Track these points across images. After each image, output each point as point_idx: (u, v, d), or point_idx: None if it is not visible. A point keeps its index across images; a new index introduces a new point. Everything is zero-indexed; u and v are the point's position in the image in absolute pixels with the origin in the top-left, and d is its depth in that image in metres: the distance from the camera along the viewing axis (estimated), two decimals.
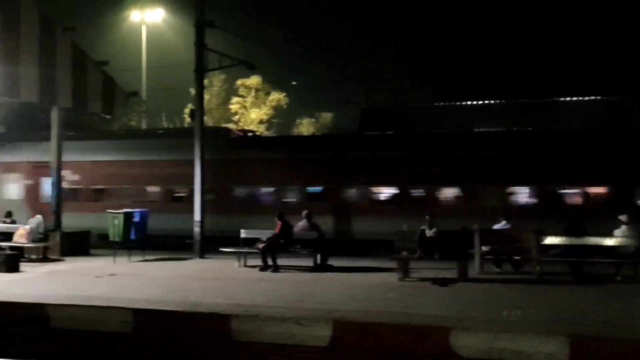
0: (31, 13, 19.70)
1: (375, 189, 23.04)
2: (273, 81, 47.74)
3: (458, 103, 29.27)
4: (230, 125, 42.85)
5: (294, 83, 48.62)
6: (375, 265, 17.91)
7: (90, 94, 21.85)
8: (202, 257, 19.88)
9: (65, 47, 20.84)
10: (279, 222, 17.56)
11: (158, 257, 19.70)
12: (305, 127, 53.56)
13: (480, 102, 28.22)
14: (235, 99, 48.56)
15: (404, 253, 15.91)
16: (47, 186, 23.43)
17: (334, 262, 17.72)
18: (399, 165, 22.41)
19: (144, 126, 45.67)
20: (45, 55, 20.03)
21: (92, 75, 21.79)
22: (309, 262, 17.38)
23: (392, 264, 16.10)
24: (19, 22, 19.30)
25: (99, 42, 44.60)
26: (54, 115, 21.41)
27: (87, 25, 44.58)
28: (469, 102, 28.63)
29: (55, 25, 20.70)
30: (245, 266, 17.80)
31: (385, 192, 23.08)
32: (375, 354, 10.10)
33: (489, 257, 16.62)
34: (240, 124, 46.33)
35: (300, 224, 18.13)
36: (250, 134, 33.27)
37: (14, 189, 25.65)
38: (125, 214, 18.75)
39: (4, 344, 11.88)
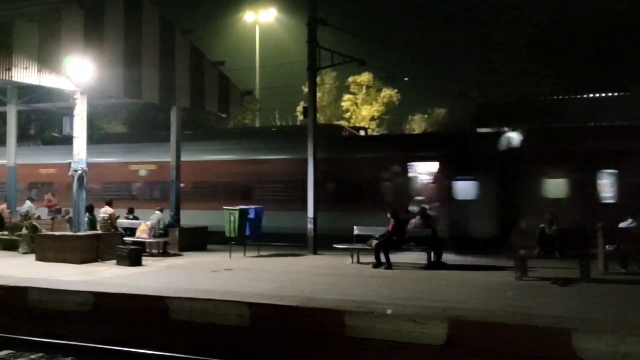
0: (152, 16, 20.51)
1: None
2: (384, 77, 47.49)
3: (583, 96, 27.96)
4: (342, 123, 43.03)
5: (406, 79, 48.18)
6: (491, 263, 17.45)
7: (207, 94, 22.55)
8: (315, 253, 20.02)
9: (183, 49, 21.57)
10: (392, 219, 17.42)
11: (272, 253, 20.01)
12: (417, 123, 53.02)
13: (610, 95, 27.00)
14: (346, 96, 48.73)
15: (522, 251, 15.39)
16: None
17: (447, 259, 17.41)
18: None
19: (257, 124, 46.60)
20: (165, 57, 20.82)
21: (208, 76, 22.45)
22: (422, 259, 17.15)
23: (509, 263, 15.63)
24: (141, 26, 20.14)
25: (215, 43, 45.93)
26: (173, 115, 22.15)
27: (204, 27, 45.93)
28: (596, 95, 27.39)
29: (174, 28, 21.46)
30: (358, 263, 17.77)
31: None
32: (494, 354, 9.82)
33: (614, 257, 15.82)
34: (352, 121, 46.45)
35: (414, 221, 17.92)
36: (361, 131, 33.25)
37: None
38: (241, 210, 19.12)
39: (128, 333, 12.40)
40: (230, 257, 18.85)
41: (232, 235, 19.07)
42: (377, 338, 10.70)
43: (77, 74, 17.61)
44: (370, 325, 10.82)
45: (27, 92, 23.93)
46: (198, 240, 21.38)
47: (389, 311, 10.78)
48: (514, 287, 13.70)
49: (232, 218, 18.89)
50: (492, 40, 42.29)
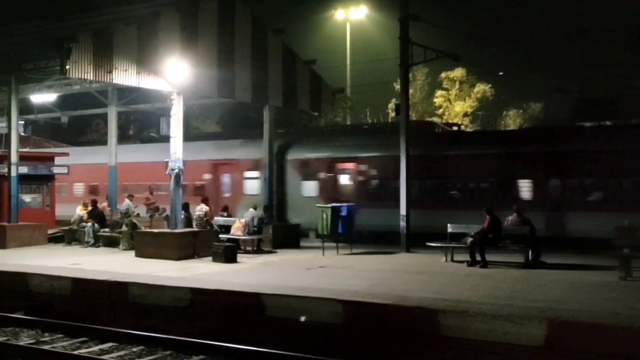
0: (245, 17, 20.84)
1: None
2: (478, 72, 46.61)
3: None
4: (434, 119, 42.49)
5: (500, 73, 47.07)
6: (591, 262, 16.82)
7: (299, 93, 22.72)
8: (408, 251, 19.84)
9: (275, 48, 21.81)
10: (488, 217, 17.04)
11: (365, 250, 19.95)
12: (512, 118, 51.70)
13: None
14: (439, 92, 48.07)
15: (626, 250, 14.73)
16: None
17: (546, 258, 16.88)
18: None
19: (348, 122, 46.63)
20: (257, 56, 21.12)
21: (300, 74, 22.63)
22: (519, 258, 16.70)
23: (611, 262, 15.01)
24: (234, 26, 20.50)
25: (306, 42, 46.26)
26: (266, 114, 22.43)
27: (295, 26, 46.33)
28: None
29: (266, 28, 21.72)
30: (452, 261, 17.48)
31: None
32: (596, 356, 9.45)
33: None
34: (445, 117, 45.79)
35: (510, 219, 17.47)
36: (454, 127, 32.71)
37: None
38: (333, 208, 19.16)
39: (225, 329, 12.63)
40: (323, 254, 18.92)
41: (325, 232, 19.14)
42: (473, 338, 10.49)
43: (174, 75, 18.09)
44: (465, 325, 10.62)
45: (126, 94, 24.81)
46: (291, 237, 21.57)
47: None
48: (616, 288, 13.16)
49: (324, 216, 18.96)
50: (591, 32, 40.82)
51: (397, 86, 38.69)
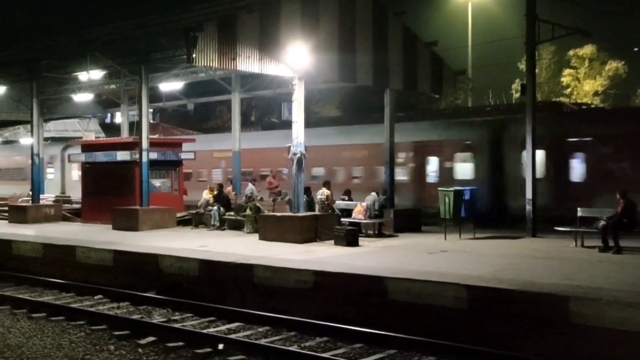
0: (365, 0, 20.71)
1: None
2: (610, 49, 44.29)
3: None
4: (562, 99, 40.82)
5: (635, 49, 44.51)
6: None
7: (420, 75, 22.38)
8: (534, 236, 19.17)
9: (396, 30, 21.58)
10: (622, 200, 16.16)
11: (488, 235, 19.46)
12: None
13: None
14: (566, 71, 46.12)
15: None
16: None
17: None
18: None
19: (469, 104, 45.62)
20: (378, 39, 20.95)
21: (421, 56, 22.28)
22: None
23: None
24: (355, 9, 20.42)
25: (427, 23, 45.53)
26: (387, 97, 22.25)
27: (415, 7, 45.66)
28: None
29: (386, 10, 21.50)
30: (582, 246, 16.74)
31: None
32: None
33: None
34: (573, 97, 43.90)
35: None
36: (584, 107, 31.26)
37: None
38: (456, 191, 18.79)
39: (348, 312, 12.67)
40: (445, 238, 18.62)
41: (447, 216, 18.82)
42: (606, 327, 10.00)
43: (296, 60, 18.25)
44: (598, 312, 10.14)
45: (248, 81, 25.34)
46: (412, 221, 21.36)
47: None
48: None
49: (446, 199, 18.63)
50: None
51: (522, 66, 37.51)
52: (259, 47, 18.17)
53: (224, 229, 21.73)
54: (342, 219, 19.46)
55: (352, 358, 10.56)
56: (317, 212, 19.43)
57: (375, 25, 20.93)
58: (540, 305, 10.81)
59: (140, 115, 22.36)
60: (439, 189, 19.43)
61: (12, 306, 14.34)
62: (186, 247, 17.31)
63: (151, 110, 28.85)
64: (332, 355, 10.50)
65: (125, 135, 27.64)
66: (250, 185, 23.21)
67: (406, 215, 21.66)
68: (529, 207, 19.55)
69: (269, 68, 18.62)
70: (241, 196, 23.40)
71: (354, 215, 19.78)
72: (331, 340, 11.51)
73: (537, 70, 31.53)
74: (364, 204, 19.81)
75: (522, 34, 20.45)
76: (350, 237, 17.29)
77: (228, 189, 24.32)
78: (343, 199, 21.07)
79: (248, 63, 18.14)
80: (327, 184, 20.46)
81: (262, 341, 11.45)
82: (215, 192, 23.00)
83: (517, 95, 39.62)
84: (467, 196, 19.04)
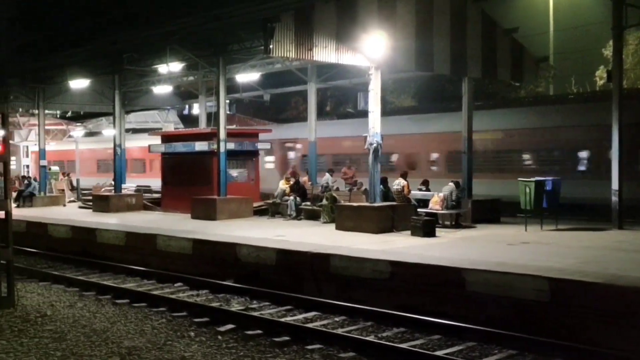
0: None
1: None
2: None
3: None
4: None
5: None
6: None
7: (499, 63, 21.87)
8: (620, 227, 18.49)
9: (474, 17, 21.14)
10: None
11: (571, 226, 18.91)
12: None
13: None
14: None
15: None
16: None
17: None
18: None
19: (551, 92, 44.33)
20: (456, 26, 20.58)
21: (501, 44, 21.76)
22: None
23: None
24: None
25: (507, 9, 44.42)
26: (465, 86, 21.86)
27: None
28: None
29: None
30: None
31: None
32: None
33: None
34: None
35: None
36: None
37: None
38: (537, 182, 18.31)
39: (425, 302, 12.53)
40: (526, 230, 18.19)
41: (528, 207, 18.37)
42: None
43: (372, 50, 18.11)
44: None
45: (324, 71, 25.35)
46: (491, 212, 20.95)
47: None
48: None
49: (527, 190, 18.19)
50: None
51: (606, 52, 36.21)
52: (336, 37, 18.11)
53: (300, 219, 21.84)
54: (418, 210, 19.27)
55: (430, 349, 10.44)
56: (393, 202, 19.28)
57: (454, 12, 20.55)
58: (627, 300, 10.42)
59: (217, 106, 22.70)
60: (519, 179, 18.97)
61: (97, 292, 14.81)
62: (263, 236, 17.48)
63: (228, 101, 29.22)
64: (409, 346, 10.42)
65: (203, 126, 28.15)
66: (326, 175, 23.24)
67: (485, 205, 21.25)
68: (615, 199, 18.85)
69: (345, 58, 18.55)
70: (317, 186, 23.47)
71: (430, 205, 19.56)
72: (408, 331, 11.43)
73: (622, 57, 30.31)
74: (441, 194, 19.55)
75: (605, 19, 19.66)
76: (427, 228, 17.10)
77: (304, 178, 24.43)
78: (420, 189, 20.85)
79: (325, 53, 18.11)
80: (404, 175, 20.29)
81: (339, 331, 11.46)
82: (292, 182, 23.14)
83: (601, 82, 38.35)
84: (549, 187, 18.53)
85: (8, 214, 13.46)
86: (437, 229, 17.67)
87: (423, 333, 11.24)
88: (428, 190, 20.82)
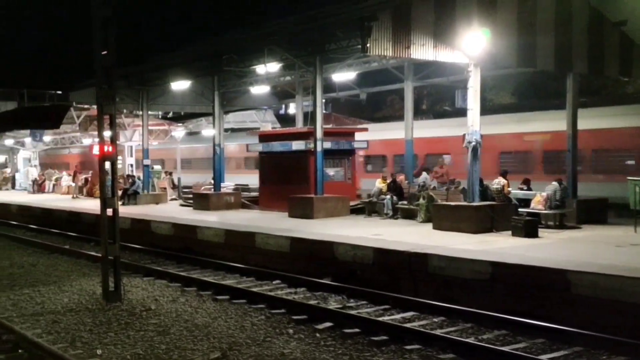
0: None
1: None
2: None
3: None
4: None
5: None
6: None
7: (607, 57, 20.99)
8: None
9: (581, 10, 20.38)
10: None
11: None
12: None
13: None
14: None
15: None
16: None
17: None
18: None
19: None
20: (560, 20, 19.89)
21: (608, 37, 20.88)
22: None
23: None
24: None
25: (616, 1, 42.64)
26: (569, 82, 21.12)
27: None
28: None
29: None
30: None
31: None
32: None
33: None
34: None
35: None
36: None
37: None
38: None
39: (526, 305, 12.16)
40: (635, 231, 17.39)
41: (638, 207, 17.54)
42: None
43: (471, 46, 17.75)
44: None
45: (421, 69, 25.07)
46: (598, 212, 20.15)
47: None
48: None
49: (637, 189, 17.37)
50: None
51: None
52: (433, 34, 17.87)
53: (396, 218, 21.69)
54: (519, 209, 18.75)
55: (534, 353, 10.11)
56: (493, 202, 18.85)
57: (558, 5, 19.86)
58: None
59: (314, 105, 22.83)
60: (628, 178, 18.16)
61: (198, 288, 15.16)
62: (360, 235, 17.43)
63: (324, 100, 29.35)
64: (511, 349, 10.13)
65: (299, 126, 28.38)
66: (423, 174, 22.99)
67: (591, 205, 20.46)
68: None
69: (443, 55, 18.28)
70: (414, 185, 23.25)
71: (532, 205, 18.99)
72: (510, 334, 11.12)
73: None
74: (544, 193, 18.97)
75: None
76: (528, 228, 16.61)
77: (400, 177, 24.24)
78: (521, 189, 20.31)
79: (422, 51, 17.91)
80: (504, 173, 19.81)
81: (438, 331, 11.28)
82: (389, 181, 23.01)
83: None
84: None
85: (115, 211, 13.99)
86: (539, 230, 17.14)
87: (525, 336, 10.91)
88: (529, 189, 20.24)
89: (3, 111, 49.83)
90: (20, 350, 10.39)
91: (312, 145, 22.93)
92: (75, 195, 36.86)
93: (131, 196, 31.02)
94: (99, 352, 10.35)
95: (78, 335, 11.34)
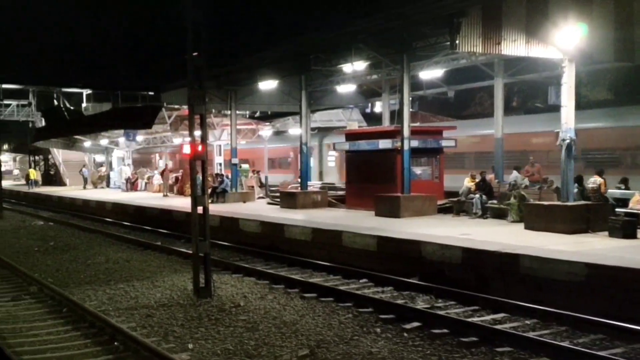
0: None
1: None
2: None
3: None
4: None
5: None
6: None
7: None
8: None
9: None
10: None
11: None
12: None
13: None
14: None
15: None
16: None
17: None
18: None
19: None
20: None
21: None
22: None
23: None
24: None
25: None
26: None
27: None
28: None
29: None
30: None
31: None
32: None
33: None
34: None
35: None
36: None
37: None
38: None
39: (624, 308, 11.67)
40: None
41: None
42: None
43: (566, 41, 17.16)
44: None
45: (511, 65, 24.47)
46: None
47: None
48: None
49: None
50: None
51: None
52: (525, 29, 17.42)
53: (486, 218, 21.24)
54: (616, 209, 18.03)
55: (634, 359, 9.69)
56: (588, 202, 18.19)
57: None
58: None
59: (401, 103, 22.64)
60: None
61: (286, 285, 15.28)
62: (448, 234, 17.17)
63: (411, 98, 29.07)
64: (609, 354, 9.73)
65: (386, 124, 28.22)
66: (514, 173, 22.42)
67: None
68: None
69: (535, 51, 17.79)
70: (504, 184, 22.73)
71: (631, 205, 18.22)
72: (607, 338, 10.71)
73: None
74: None
75: None
76: (627, 229, 15.93)
77: (490, 176, 23.75)
78: (619, 188, 19.54)
79: (513, 47, 17.50)
80: (600, 172, 19.11)
81: (530, 334, 10.97)
82: (477, 180, 22.58)
83: None
84: None
85: (206, 209, 14.27)
86: (639, 231, 16.42)
87: (624, 341, 10.48)
88: (627, 188, 19.45)
89: (99, 112, 51.90)
90: (115, 343, 10.73)
91: (399, 144, 22.76)
92: (165, 194, 37.86)
93: (220, 194, 31.62)
94: (190, 346, 10.58)
95: (170, 329, 11.63)
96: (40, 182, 57.73)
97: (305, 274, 16.87)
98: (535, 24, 17.39)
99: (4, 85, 58.98)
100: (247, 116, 45.33)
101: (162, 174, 40.57)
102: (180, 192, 37.26)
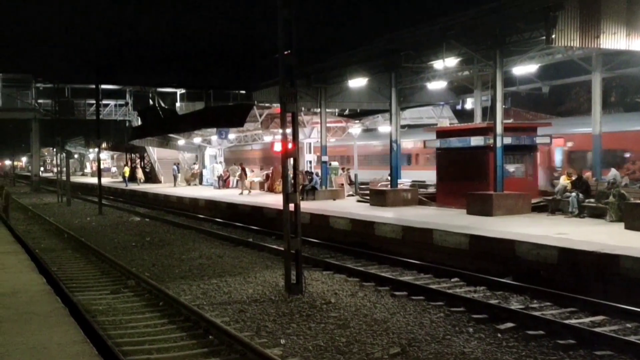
0: None
1: None
2: None
3: None
4: None
5: None
6: None
7: None
8: None
9: None
10: None
11: None
12: None
13: None
14: None
15: None
16: None
17: None
18: None
19: None
20: None
21: None
22: None
23: None
24: None
25: None
26: None
27: None
28: None
29: None
30: None
31: None
32: None
33: None
34: None
35: None
36: None
37: None
38: None
39: None
40: None
41: None
42: None
43: None
44: None
45: (609, 59, 23.62)
46: None
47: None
48: None
49: None
50: None
51: None
52: (626, 21, 16.77)
53: (582, 217, 20.53)
54: None
55: None
56: None
57: None
58: None
59: (494, 100, 22.22)
60: None
61: (377, 283, 15.25)
62: (543, 234, 16.71)
63: (504, 94, 28.47)
64: None
65: (478, 121, 27.75)
66: (613, 171, 21.62)
67: None
68: None
69: (637, 44, 17.09)
70: (603, 182, 21.94)
71: None
72: None
73: None
74: None
75: None
76: None
77: (587, 174, 22.98)
78: None
79: (613, 40, 16.89)
80: None
81: (632, 337, 10.55)
82: (574, 178, 21.88)
83: None
84: None
85: (297, 206, 14.40)
86: None
87: None
88: None
89: (192, 111, 53.24)
90: (210, 337, 10.98)
91: (491, 141, 22.35)
92: (242, 192, 38.13)
93: (309, 192, 31.85)
94: (282, 341, 10.71)
95: (263, 324, 11.80)
96: (142, 179, 59.61)
97: (395, 272, 16.79)
98: (637, 15, 16.69)
99: (103, 86, 61.36)
100: (337, 114, 45.51)
101: (241, 171, 40.83)
102: (271, 190, 37.72)
